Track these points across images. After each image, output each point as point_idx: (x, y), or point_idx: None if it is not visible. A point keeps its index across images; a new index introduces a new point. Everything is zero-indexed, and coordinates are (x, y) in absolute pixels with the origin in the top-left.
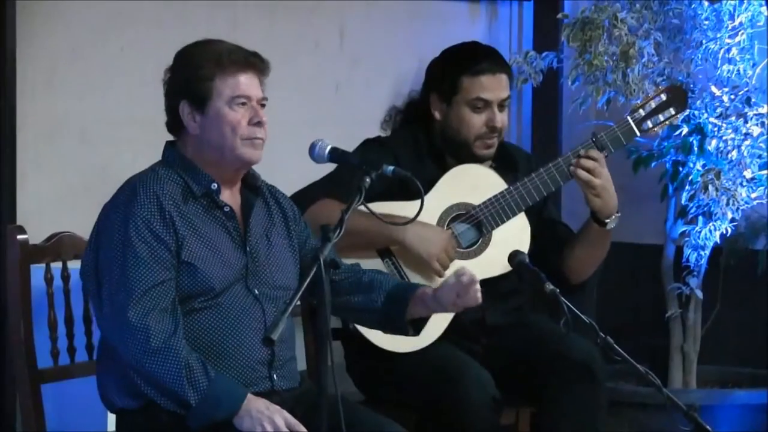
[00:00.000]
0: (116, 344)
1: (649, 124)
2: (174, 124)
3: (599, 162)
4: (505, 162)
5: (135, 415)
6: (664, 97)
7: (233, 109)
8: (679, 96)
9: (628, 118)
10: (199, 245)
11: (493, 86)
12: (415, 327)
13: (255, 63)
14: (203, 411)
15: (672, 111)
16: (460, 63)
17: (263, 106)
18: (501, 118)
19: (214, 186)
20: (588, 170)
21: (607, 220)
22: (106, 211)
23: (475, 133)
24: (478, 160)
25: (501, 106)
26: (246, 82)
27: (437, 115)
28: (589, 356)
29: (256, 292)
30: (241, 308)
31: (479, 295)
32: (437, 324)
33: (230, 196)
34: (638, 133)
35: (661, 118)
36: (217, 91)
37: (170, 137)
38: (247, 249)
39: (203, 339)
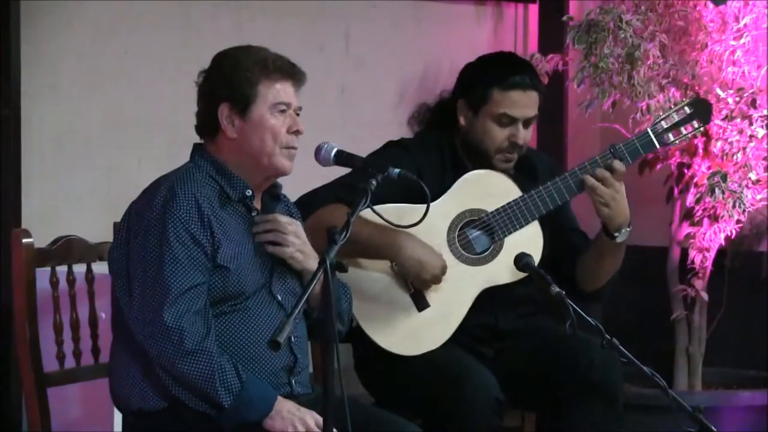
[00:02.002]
0: (147, 344)
1: (671, 137)
2: (207, 126)
3: (616, 173)
4: (525, 168)
5: (155, 416)
6: (687, 110)
7: (274, 116)
8: (703, 109)
9: (649, 130)
10: (234, 249)
11: (522, 103)
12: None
13: (296, 72)
14: (236, 412)
15: (695, 124)
16: (493, 74)
17: (298, 115)
18: (524, 135)
19: (249, 192)
20: (599, 179)
21: (616, 233)
22: (140, 210)
23: (497, 146)
24: (496, 171)
25: (526, 123)
26: (287, 90)
27: (462, 121)
28: (614, 378)
29: (279, 297)
30: (267, 313)
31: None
32: (445, 328)
33: (256, 203)
34: (658, 146)
35: (683, 131)
36: (261, 96)
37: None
38: (272, 255)
39: (230, 343)
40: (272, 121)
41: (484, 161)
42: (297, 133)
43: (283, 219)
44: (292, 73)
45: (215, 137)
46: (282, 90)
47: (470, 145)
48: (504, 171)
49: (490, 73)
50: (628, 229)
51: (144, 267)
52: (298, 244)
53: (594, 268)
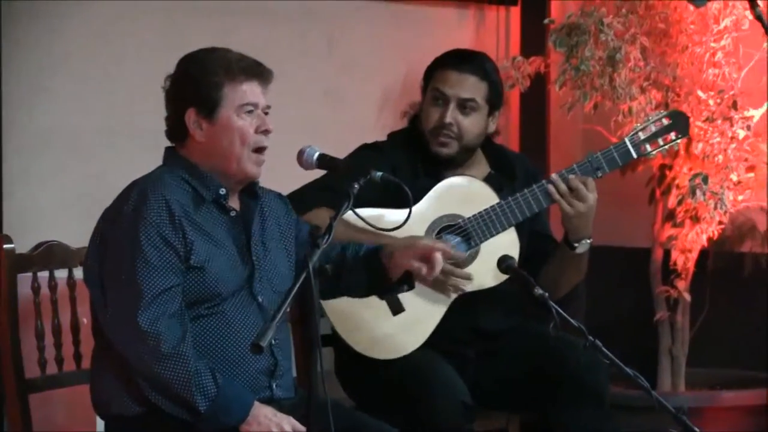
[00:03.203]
0: (124, 349)
1: (648, 147)
2: (177, 131)
3: (587, 185)
4: (504, 169)
5: (134, 422)
6: (665, 121)
7: (241, 117)
8: (681, 121)
9: (626, 140)
10: (208, 250)
11: (455, 82)
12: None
13: (261, 71)
14: (213, 417)
15: (673, 136)
16: (440, 57)
17: (266, 114)
18: (453, 116)
19: (223, 191)
20: (571, 189)
21: (576, 244)
22: (111, 216)
23: (430, 126)
24: (436, 157)
25: (462, 106)
26: (254, 90)
27: (419, 107)
28: (601, 379)
29: (260, 299)
30: (245, 316)
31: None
32: (419, 332)
33: (233, 202)
34: (635, 156)
35: (660, 142)
36: (226, 99)
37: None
38: (252, 255)
39: (207, 346)
40: (239, 122)
41: (427, 147)
42: (266, 132)
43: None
44: (258, 73)
45: (185, 141)
46: (248, 90)
47: (421, 131)
48: (442, 156)
49: (440, 57)
50: (588, 241)
51: (117, 272)
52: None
53: (556, 278)
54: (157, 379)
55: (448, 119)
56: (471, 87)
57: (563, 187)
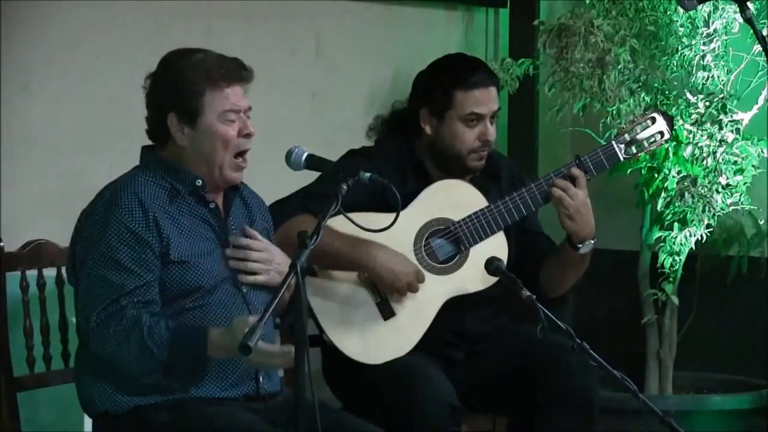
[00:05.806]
0: (90, 344)
1: (634, 149)
2: (158, 132)
3: (578, 181)
4: (489, 170)
5: (121, 419)
6: (650, 122)
7: (224, 123)
8: (665, 121)
9: (613, 142)
10: (187, 244)
11: (486, 99)
12: None
13: (242, 74)
14: (177, 358)
15: (657, 137)
16: (451, 77)
17: (248, 116)
18: (492, 131)
19: (199, 182)
20: (562, 189)
21: (579, 245)
22: (85, 217)
23: (469, 147)
24: (469, 171)
25: (492, 119)
26: (235, 95)
27: (428, 129)
28: (590, 383)
29: (244, 289)
30: (230, 308)
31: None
32: (409, 337)
33: (215, 197)
34: (622, 159)
35: (645, 144)
36: (208, 106)
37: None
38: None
39: None
40: (222, 128)
41: (457, 164)
42: (248, 135)
43: (254, 245)
44: (239, 77)
45: (166, 143)
46: (230, 95)
47: (440, 151)
48: (477, 170)
49: (448, 76)
50: (592, 242)
51: (90, 271)
52: (262, 268)
53: (558, 276)
54: (126, 356)
55: (492, 137)
56: (496, 97)
57: (563, 184)
